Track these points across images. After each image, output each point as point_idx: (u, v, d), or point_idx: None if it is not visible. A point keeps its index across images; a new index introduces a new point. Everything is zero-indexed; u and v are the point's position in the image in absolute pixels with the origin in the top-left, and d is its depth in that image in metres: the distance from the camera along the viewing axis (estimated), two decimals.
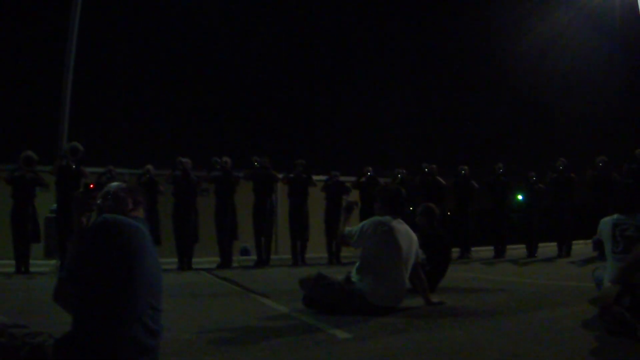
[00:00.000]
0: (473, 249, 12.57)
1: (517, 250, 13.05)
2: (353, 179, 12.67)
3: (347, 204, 5.06)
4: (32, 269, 9.61)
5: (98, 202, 2.55)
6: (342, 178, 12.33)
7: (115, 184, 2.76)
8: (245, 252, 13.92)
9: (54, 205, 10.52)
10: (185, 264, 10.48)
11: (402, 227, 4.66)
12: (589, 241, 10.55)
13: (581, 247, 12.83)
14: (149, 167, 10.82)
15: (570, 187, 11.85)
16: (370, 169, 12.29)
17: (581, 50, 27.03)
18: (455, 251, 11.36)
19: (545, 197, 12.26)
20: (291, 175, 11.70)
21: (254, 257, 11.66)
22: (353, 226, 4.80)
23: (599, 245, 4.90)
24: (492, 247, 12.56)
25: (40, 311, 4.46)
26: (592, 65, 28.67)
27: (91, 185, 2.61)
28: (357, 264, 4.61)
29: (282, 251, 14.44)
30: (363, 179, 12.22)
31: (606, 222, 4.25)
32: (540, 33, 25.09)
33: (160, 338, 2.40)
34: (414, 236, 4.77)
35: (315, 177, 11.91)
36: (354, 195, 11.79)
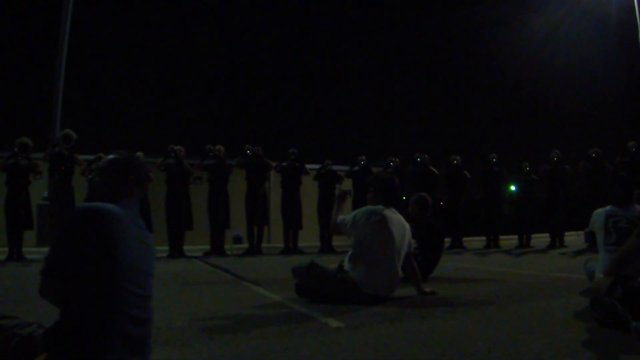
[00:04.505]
0: (465, 239, 12.61)
1: (509, 241, 13.09)
2: (346, 168, 12.68)
3: (340, 193, 5.05)
4: (24, 256, 9.58)
5: (89, 177, 2.44)
6: (335, 167, 12.34)
7: (110, 157, 2.52)
8: (237, 240, 13.93)
9: (46, 193, 10.48)
10: (176, 251, 10.50)
11: (395, 217, 4.65)
12: (582, 232, 10.64)
13: (573, 239, 12.89)
14: (139, 154, 10.78)
15: (563, 178, 11.90)
16: (363, 158, 12.29)
17: (576, 43, 27.09)
18: (447, 241, 11.40)
19: (538, 188, 12.31)
20: (284, 163, 11.70)
21: (246, 245, 11.66)
22: (346, 215, 4.79)
23: (591, 237, 4.93)
24: (484, 238, 12.61)
25: (31, 299, 4.43)
26: (587, 58, 28.75)
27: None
28: (350, 253, 4.60)
29: (275, 239, 14.48)
30: (356, 168, 12.23)
31: (599, 214, 4.26)
32: (536, 26, 25.10)
33: (150, 325, 2.32)
34: (407, 226, 4.77)
35: (308, 166, 11.91)
36: (347, 184, 11.80)
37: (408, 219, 5.02)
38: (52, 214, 9.78)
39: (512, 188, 12.70)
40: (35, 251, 10.42)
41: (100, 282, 2.10)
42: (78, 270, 2.10)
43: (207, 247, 11.22)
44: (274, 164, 11.78)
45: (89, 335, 2.04)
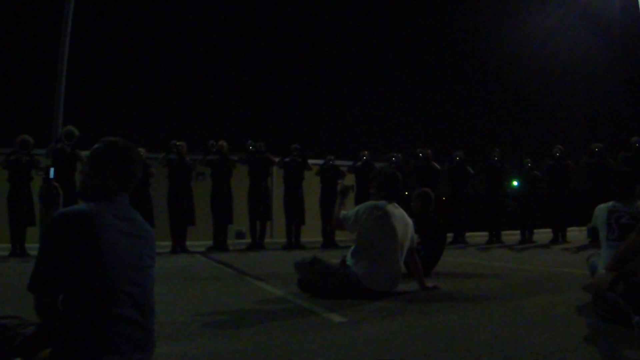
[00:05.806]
0: (467, 234, 12.61)
1: (511, 236, 13.08)
2: (349, 163, 12.69)
3: (342, 188, 5.04)
4: (27, 253, 9.60)
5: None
6: (338, 162, 12.35)
7: (96, 145, 2.27)
8: (240, 235, 13.94)
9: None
10: (179, 247, 10.52)
11: (397, 212, 4.65)
12: (584, 228, 10.63)
13: (576, 234, 12.87)
14: (141, 149, 10.79)
15: (566, 174, 11.88)
16: (366, 153, 12.30)
17: (579, 38, 27.01)
18: (449, 236, 11.39)
19: (541, 183, 12.29)
20: (287, 159, 11.71)
21: (249, 240, 11.68)
22: (348, 210, 4.79)
23: (593, 233, 4.91)
24: (486, 233, 12.60)
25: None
26: (589, 53, 28.64)
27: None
28: (353, 248, 4.60)
29: (278, 235, 14.48)
30: (359, 163, 12.24)
31: (602, 210, 4.25)
32: (538, 21, 25.02)
33: (151, 318, 2.22)
34: (410, 221, 4.77)
35: (310, 161, 11.93)
36: (350, 180, 11.81)
37: (410, 214, 5.02)
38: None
39: (515, 183, 12.68)
40: (38, 247, 10.43)
41: (90, 289, 2.02)
42: (65, 281, 2.03)
43: (210, 242, 11.26)
44: (276, 160, 11.78)
45: (88, 338, 2.01)
